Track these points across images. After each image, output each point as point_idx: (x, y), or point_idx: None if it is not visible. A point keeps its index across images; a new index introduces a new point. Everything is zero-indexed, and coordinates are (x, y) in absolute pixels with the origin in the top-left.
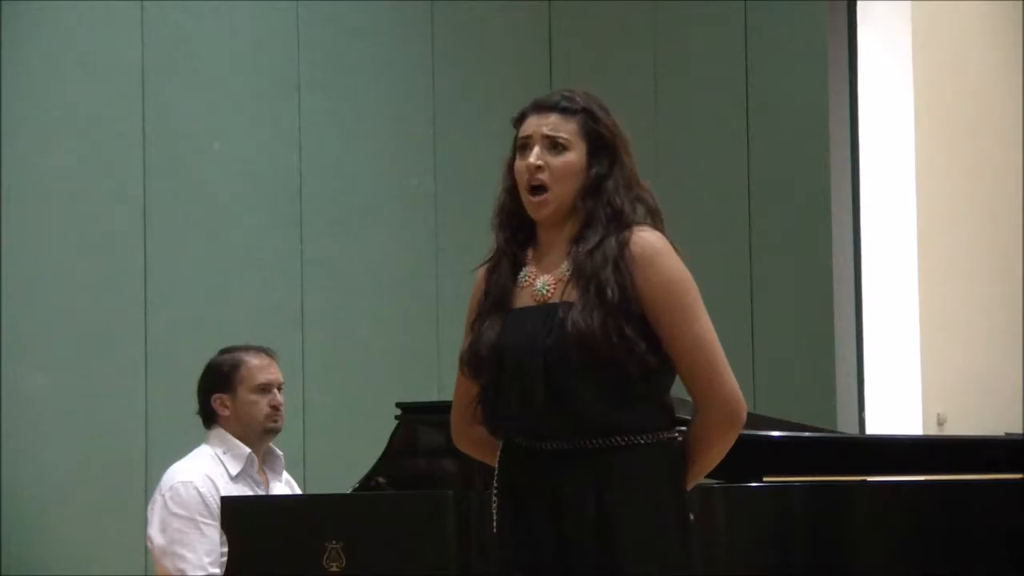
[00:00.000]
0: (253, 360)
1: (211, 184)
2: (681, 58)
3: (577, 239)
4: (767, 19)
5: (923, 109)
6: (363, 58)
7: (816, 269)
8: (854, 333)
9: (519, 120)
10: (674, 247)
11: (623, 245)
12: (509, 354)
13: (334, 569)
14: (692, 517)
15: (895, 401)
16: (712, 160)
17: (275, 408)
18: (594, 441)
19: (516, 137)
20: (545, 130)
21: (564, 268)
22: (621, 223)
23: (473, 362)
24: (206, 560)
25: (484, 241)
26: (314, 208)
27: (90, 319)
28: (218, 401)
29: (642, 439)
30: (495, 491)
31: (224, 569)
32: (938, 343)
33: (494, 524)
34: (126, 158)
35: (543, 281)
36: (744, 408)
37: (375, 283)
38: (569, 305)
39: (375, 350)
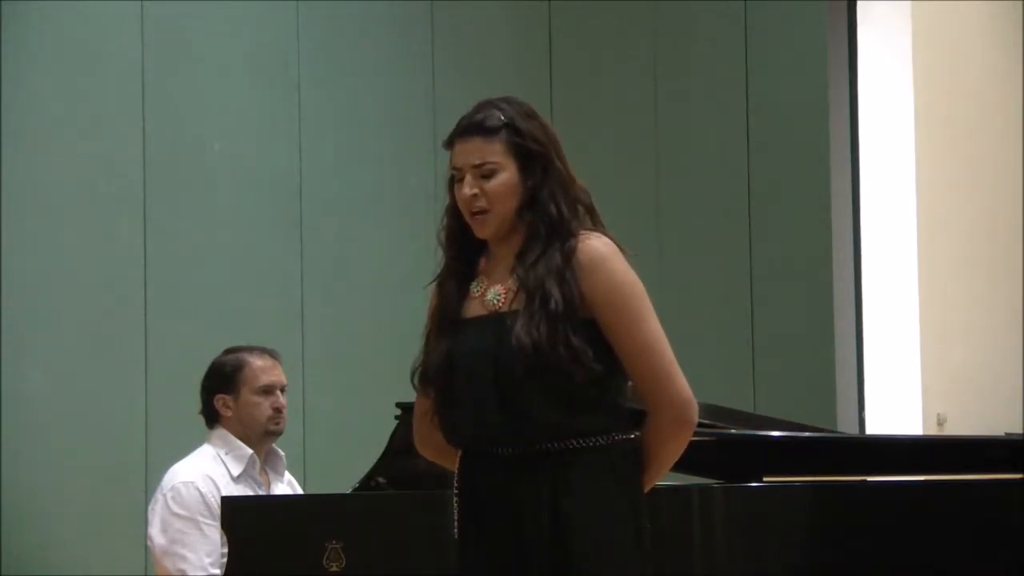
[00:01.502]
0: (257, 361)
1: (211, 184)
2: (681, 58)
3: (520, 253)
4: (767, 19)
5: (923, 109)
6: (363, 58)
7: (816, 269)
8: (854, 333)
9: (449, 144)
10: (621, 249)
11: (569, 254)
12: (461, 362)
13: (334, 569)
14: (648, 525)
15: (895, 401)
16: (712, 160)
17: (278, 410)
18: (548, 445)
19: (450, 162)
20: (472, 159)
21: (512, 282)
22: (563, 231)
23: (423, 380)
24: (207, 560)
25: None
26: (314, 208)
27: (90, 319)
28: (220, 401)
29: (596, 441)
30: (455, 497)
31: (224, 569)
32: (938, 343)
33: (455, 528)
34: (126, 158)
35: (494, 291)
36: (694, 409)
37: (375, 283)
38: (517, 315)
39: (375, 350)
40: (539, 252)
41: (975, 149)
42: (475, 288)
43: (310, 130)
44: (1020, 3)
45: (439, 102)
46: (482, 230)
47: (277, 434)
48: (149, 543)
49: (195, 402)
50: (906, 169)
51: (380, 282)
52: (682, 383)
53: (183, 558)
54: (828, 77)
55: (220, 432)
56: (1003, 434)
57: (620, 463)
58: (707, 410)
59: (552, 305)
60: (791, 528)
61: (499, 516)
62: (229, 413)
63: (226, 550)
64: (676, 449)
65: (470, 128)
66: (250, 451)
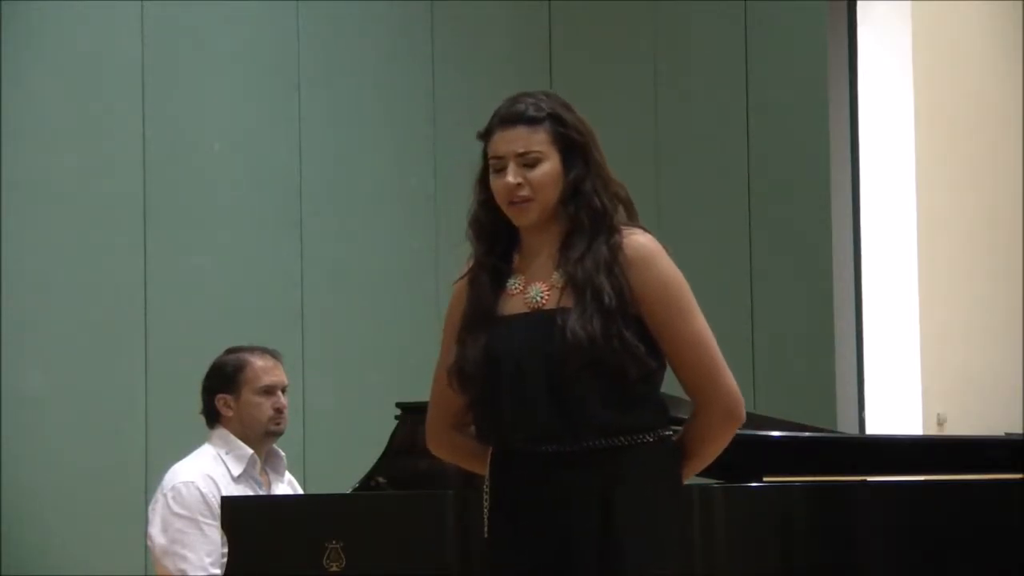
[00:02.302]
0: (258, 361)
1: (211, 184)
2: (681, 58)
3: (564, 246)
4: (767, 19)
5: (923, 109)
6: (363, 58)
7: (816, 269)
8: (854, 333)
9: (486, 135)
10: (663, 246)
11: (615, 249)
12: (506, 360)
13: (334, 569)
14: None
15: (895, 401)
16: (712, 160)
17: (279, 411)
18: (596, 442)
19: (485, 153)
20: (517, 148)
21: (557, 277)
22: (606, 224)
23: (461, 376)
24: (207, 560)
25: None
26: (314, 208)
27: (90, 319)
28: (222, 401)
29: (643, 438)
30: (487, 496)
31: (224, 569)
32: (938, 343)
33: (486, 529)
34: (126, 158)
35: (536, 288)
36: (742, 404)
37: (375, 283)
38: (567, 312)
39: (375, 350)
40: (585, 246)
41: (975, 149)
42: (512, 285)
43: (310, 130)
44: (1020, 3)
45: (439, 102)
46: (522, 219)
47: (278, 434)
48: (149, 543)
49: (195, 402)
50: (906, 169)
51: (380, 282)
52: (731, 378)
53: (183, 558)
54: (828, 77)
55: (221, 432)
56: (1003, 434)
57: (666, 460)
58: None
59: (605, 300)
60: (791, 528)
61: (541, 514)
62: (230, 413)
63: (226, 550)
64: (722, 444)
65: (513, 117)
66: (250, 451)
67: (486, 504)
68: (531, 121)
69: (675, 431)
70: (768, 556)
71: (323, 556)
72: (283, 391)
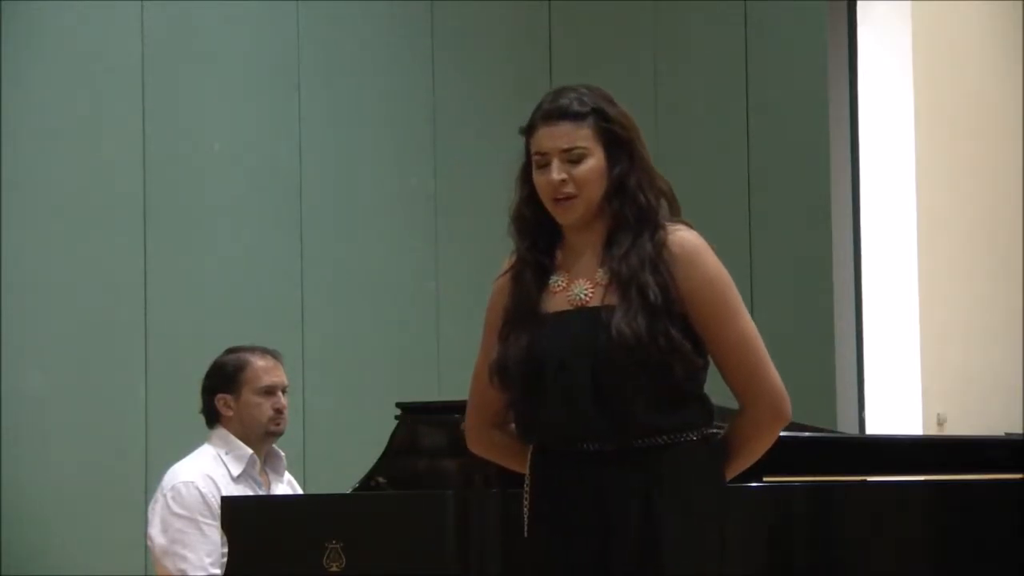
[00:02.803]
0: (259, 362)
1: (211, 184)
2: (681, 58)
3: (609, 243)
4: (767, 19)
5: (923, 109)
6: (363, 58)
7: (816, 269)
8: (854, 333)
9: (529, 130)
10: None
11: (660, 246)
12: (550, 358)
13: (334, 569)
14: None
15: (895, 401)
16: (712, 160)
17: (279, 411)
18: (641, 441)
19: (528, 148)
20: (561, 143)
21: (602, 274)
22: (650, 221)
23: (503, 374)
24: (207, 560)
25: (484, 241)
26: (314, 208)
27: (90, 319)
28: (222, 401)
29: (687, 437)
30: (527, 495)
31: (224, 569)
32: (938, 343)
33: (526, 528)
34: (126, 158)
35: (580, 286)
36: (788, 403)
37: (375, 283)
38: (612, 309)
39: (375, 350)
40: (629, 242)
41: (975, 149)
42: (555, 282)
43: (310, 130)
44: (1020, 3)
45: (439, 102)
46: (567, 216)
47: (278, 435)
48: (149, 543)
49: (195, 402)
50: (906, 169)
51: (380, 282)
52: (776, 377)
53: (183, 558)
54: (828, 77)
55: (220, 432)
56: (1003, 434)
57: (708, 459)
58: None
59: (651, 297)
60: (791, 528)
61: (582, 513)
62: (230, 413)
63: (226, 550)
64: (767, 442)
65: (556, 112)
66: (250, 451)
67: (526, 503)
68: (575, 116)
69: (719, 428)
70: (768, 556)
71: (323, 556)
72: (283, 391)
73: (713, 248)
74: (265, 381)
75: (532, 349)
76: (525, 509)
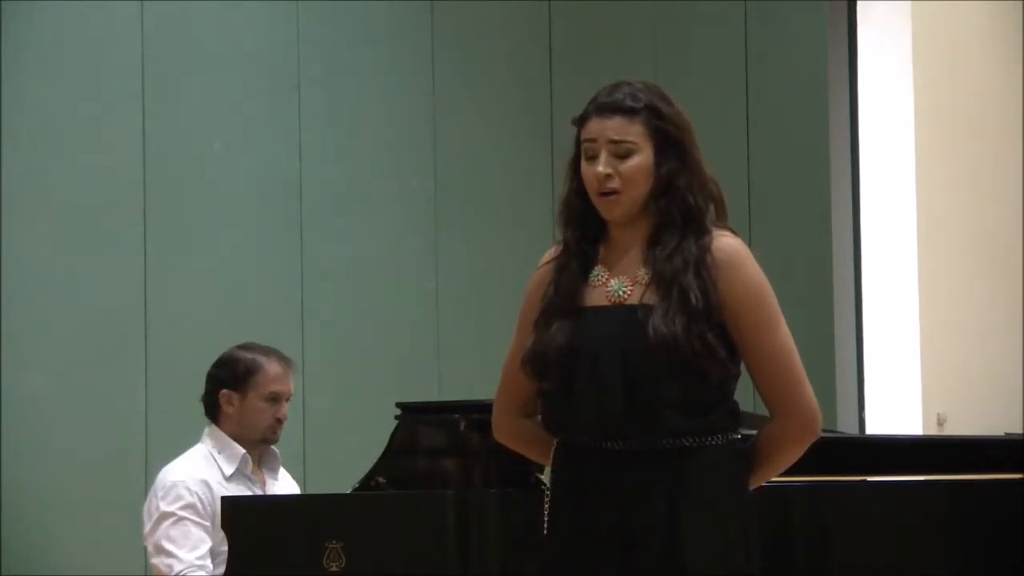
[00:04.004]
0: (272, 368)
1: (211, 184)
2: (681, 58)
3: (653, 242)
4: (767, 19)
5: (923, 109)
6: (363, 58)
7: (816, 269)
8: (854, 333)
9: (581, 121)
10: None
11: (704, 250)
12: (584, 352)
13: (334, 569)
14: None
15: (895, 401)
16: (712, 159)
17: (279, 421)
18: (667, 442)
19: (579, 138)
20: (611, 135)
21: (643, 273)
22: (696, 223)
23: (538, 363)
24: (193, 555)
25: (484, 241)
26: (314, 208)
27: (90, 319)
28: (225, 397)
29: (713, 440)
30: (548, 490)
31: (224, 569)
32: (938, 343)
33: (545, 524)
34: (126, 158)
35: (619, 282)
36: (820, 420)
37: (375, 283)
38: (649, 309)
39: (375, 350)
40: (675, 243)
41: (975, 149)
42: (596, 277)
43: (310, 130)
44: (1020, 3)
45: (439, 102)
46: (611, 211)
47: (271, 443)
48: (144, 542)
49: (196, 402)
50: (906, 169)
51: (380, 282)
52: (810, 392)
53: (170, 554)
54: (828, 77)
55: (213, 431)
56: (1003, 434)
57: (733, 464)
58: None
59: (692, 300)
60: (791, 528)
61: (604, 512)
62: (231, 410)
63: (225, 548)
64: (794, 456)
65: (610, 106)
66: (243, 451)
67: (547, 498)
68: (628, 111)
69: (745, 436)
70: (768, 556)
71: (323, 556)
72: (287, 400)
73: (756, 256)
74: (273, 388)
75: (567, 341)
76: (545, 505)
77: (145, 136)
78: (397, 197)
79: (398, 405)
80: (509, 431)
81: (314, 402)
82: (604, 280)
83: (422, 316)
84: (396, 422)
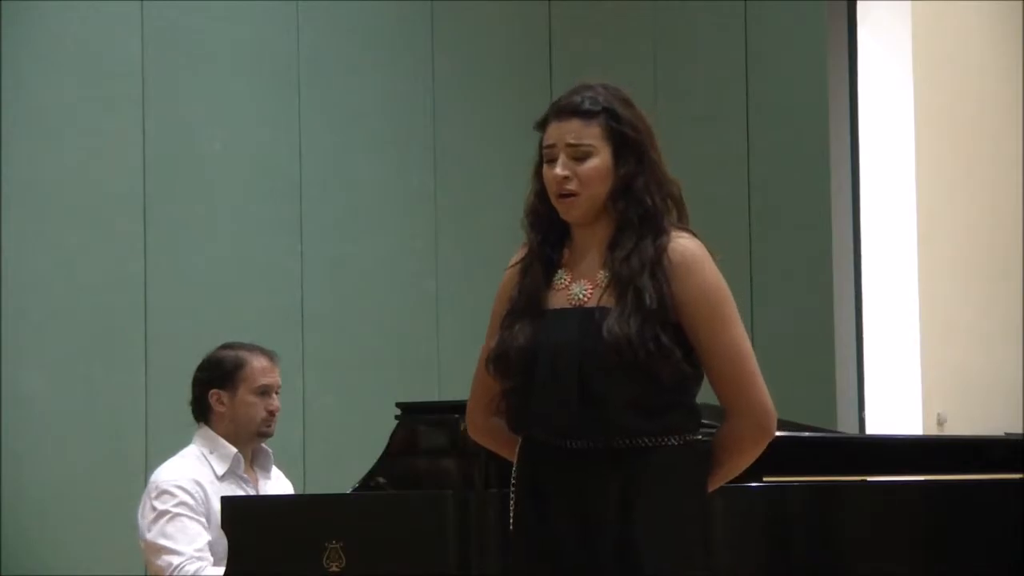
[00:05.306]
0: (257, 361)
1: (211, 184)
2: (681, 57)
3: (612, 244)
4: (767, 19)
5: (923, 109)
6: (363, 58)
7: (816, 269)
8: (854, 333)
9: (542, 125)
10: (710, 252)
11: (661, 252)
12: (543, 354)
13: (334, 569)
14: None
15: (895, 401)
16: (712, 159)
17: (271, 413)
18: (621, 442)
19: (541, 142)
20: (568, 139)
21: (602, 275)
22: (655, 224)
23: (501, 363)
24: (191, 548)
25: (484, 241)
26: (314, 208)
27: (90, 319)
28: (215, 397)
29: (669, 441)
30: (513, 486)
31: (224, 569)
32: (938, 343)
33: (511, 519)
34: (126, 158)
35: (580, 285)
36: (775, 421)
37: (375, 283)
38: (606, 310)
39: (375, 350)
40: (632, 245)
41: (975, 149)
42: (558, 279)
43: (310, 130)
44: (1020, 3)
45: (439, 102)
46: (568, 213)
47: (266, 436)
48: (141, 543)
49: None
50: (906, 169)
51: (380, 282)
52: (764, 392)
53: (169, 550)
54: (828, 77)
55: (205, 431)
56: (1003, 434)
57: (690, 465)
58: (707, 410)
59: (646, 301)
60: (791, 528)
61: (563, 509)
62: (222, 409)
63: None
64: (750, 457)
65: (568, 109)
66: (235, 450)
67: (512, 493)
68: (586, 114)
69: (705, 438)
70: (768, 556)
71: (323, 556)
72: (276, 393)
73: (717, 258)
74: (261, 381)
75: (528, 343)
76: (511, 501)
77: (145, 136)
78: (397, 197)
79: (398, 405)
80: (482, 429)
81: (314, 402)
82: (566, 283)
83: (422, 316)
84: (396, 422)
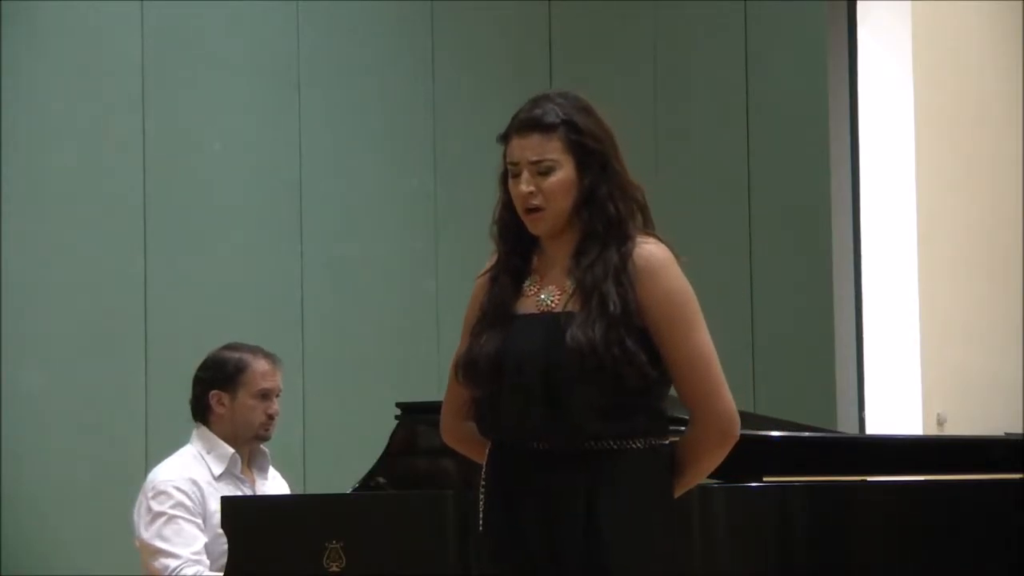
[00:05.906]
0: (259, 365)
1: (211, 184)
2: (681, 58)
3: (577, 252)
4: (767, 19)
5: (923, 109)
6: (363, 58)
7: (816, 269)
8: (854, 333)
9: (504, 139)
10: (676, 256)
11: (625, 258)
12: (510, 359)
13: (334, 569)
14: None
15: (895, 401)
16: (712, 160)
17: (271, 417)
18: (586, 444)
19: (504, 157)
20: (530, 156)
21: (570, 282)
22: (619, 231)
23: (469, 371)
24: (189, 551)
25: (484, 241)
26: (314, 208)
27: (90, 319)
28: (215, 397)
29: (634, 444)
30: (483, 489)
31: (224, 569)
32: (938, 343)
33: (480, 521)
34: (126, 158)
35: (548, 292)
36: (738, 425)
37: (375, 283)
38: (571, 316)
39: (375, 350)
40: (597, 252)
41: (975, 149)
42: (528, 286)
43: (310, 130)
44: (1020, 3)
45: (439, 102)
46: (536, 227)
47: (264, 440)
48: (137, 544)
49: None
50: (906, 169)
51: (380, 282)
52: (728, 397)
53: (166, 553)
54: (828, 77)
55: (202, 431)
56: (1003, 434)
57: (655, 468)
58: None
59: (611, 307)
60: (791, 528)
61: (529, 511)
62: (222, 410)
63: (219, 548)
64: (714, 462)
65: (528, 123)
66: (232, 450)
67: (482, 496)
68: (546, 128)
69: (672, 442)
70: (768, 556)
71: (323, 556)
72: (277, 396)
73: (681, 262)
74: (262, 385)
75: (496, 349)
76: (480, 504)
77: (145, 136)
78: (397, 197)
79: (398, 405)
80: (456, 434)
81: (314, 402)
82: (536, 290)
83: (422, 316)
84: (396, 422)
